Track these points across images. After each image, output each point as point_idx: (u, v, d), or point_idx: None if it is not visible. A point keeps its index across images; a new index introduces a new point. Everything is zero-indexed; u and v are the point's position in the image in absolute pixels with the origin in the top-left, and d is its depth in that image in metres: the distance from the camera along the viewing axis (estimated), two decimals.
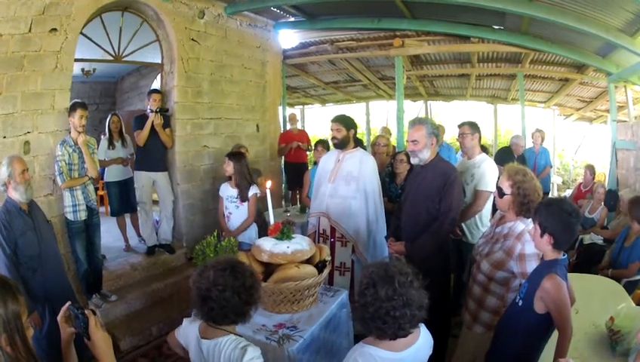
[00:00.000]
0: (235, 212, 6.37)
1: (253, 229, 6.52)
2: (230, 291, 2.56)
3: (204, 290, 2.58)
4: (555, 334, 3.05)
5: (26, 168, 4.70)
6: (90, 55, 7.55)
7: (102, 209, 10.37)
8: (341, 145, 5.64)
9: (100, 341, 2.26)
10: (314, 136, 14.40)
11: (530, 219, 3.60)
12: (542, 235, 3.02)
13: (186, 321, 2.84)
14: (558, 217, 2.98)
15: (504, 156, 8.58)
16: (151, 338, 6.15)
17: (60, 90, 6.28)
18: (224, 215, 6.47)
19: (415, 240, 4.63)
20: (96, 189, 7.88)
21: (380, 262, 2.56)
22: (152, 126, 7.30)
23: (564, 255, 3.08)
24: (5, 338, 1.96)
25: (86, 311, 2.27)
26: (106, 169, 7.86)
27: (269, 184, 4.58)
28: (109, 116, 8.13)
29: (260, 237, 5.70)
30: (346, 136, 5.60)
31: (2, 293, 2.00)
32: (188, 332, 2.80)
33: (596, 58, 9.13)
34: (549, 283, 2.92)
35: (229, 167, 6.26)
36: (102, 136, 8.11)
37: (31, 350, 2.06)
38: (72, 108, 6.01)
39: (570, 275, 3.09)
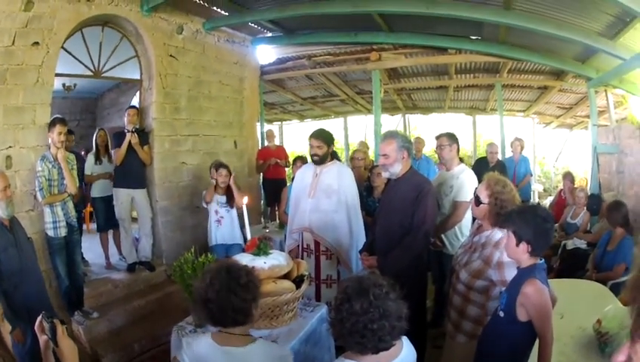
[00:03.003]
0: (227, 215, 6.87)
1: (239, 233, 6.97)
2: (225, 290, 2.56)
3: (202, 294, 2.60)
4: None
5: (7, 184, 4.62)
6: (70, 70, 7.51)
7: (93, 225, 10.44)
8: (321, 161, 5.61)
9: (66, 348, 2.39)
10: (292, 152, 14.43)
11: None
12: (517, 244, 3.00)
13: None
14: (533, 224, 2.98)
15: (480, 166, 8.69)
16: (133, 355, 6.11)
17: (41, 105, 6.29)
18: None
19: (389, 253, 4.61)
20: (84, 206, 7.94)
21: (354, 276, 2.55)
22: (131, 144, 7.27)
23: (540, 259, 3.07)
24: None
25: (54, 320, 2.40)
26: (92, 184, 7.88)
27: (245, 200, 4.58)
28: (96, 131, 8.18)
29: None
30: (326, 151, 5.59)
31: None
32: (198, 347, 2.66)
33: (575, 64, 9.22)
34: (530, 288, 2.91)
35: (227, 178, 6.87)
36: (82, 153, 8.10)
37: (6, 346, 2.15)
38: (52, 124, 5.99)
39: (553, 281, 3.09)
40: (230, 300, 2.55)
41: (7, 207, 4.58)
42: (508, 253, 3.17)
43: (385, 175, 4.91)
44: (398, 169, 4.70)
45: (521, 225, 2.99)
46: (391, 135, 4.82)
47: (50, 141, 6.02)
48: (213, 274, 2.63)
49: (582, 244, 7.66)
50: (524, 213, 3.05)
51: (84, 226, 9.85)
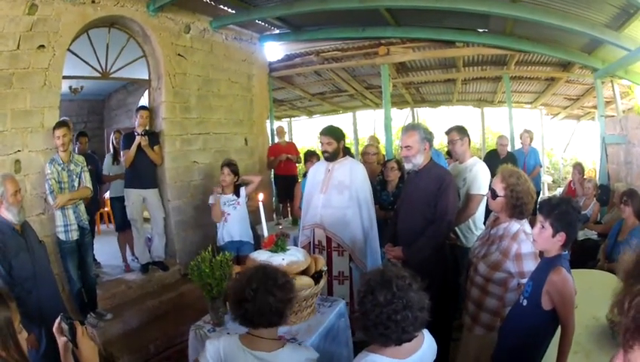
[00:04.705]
0: (234, 213, 6.72)
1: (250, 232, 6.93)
2: (263, 289, 2.59)
3: (238, 293, 2.63)
4: (558, 331, 3.06)
5: (18, 189, 4.63)
6: (77, 72, 7.55)
7: (103, 227, 10.44)
8: (332, 157, 5.63)
9: (86, 349, 2.39)
10: (302, 147, 14.40)
11: (524, 220, 3.62)
12: (554, 235, 3.01)
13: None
14: (569, 216, 3.00)
15: (491, 158, 8.67)
16: (149, 356, 6.08)
17: (49, 108, 6.30)
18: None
19: (412, 244, 4.64)
20: (97, 208, 8.05)
21: (376, 269, 2.55)
22: (140, 146, 7.29)
23: (564, 251, 3.08)
24: (0, 344, 2.09)
25: (74, 322, 2.41)
26: (111, 184, 8.04)
27: (261, 197, 4.58)
28: (112, 133, 8.45)
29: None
30: (337, 147, 5.59)
31: None
32: (226, 350, 2.69)
33: (582, 55, 9.21)
34: (557, 276, 2.94)
35: (229, 177, 6.71)
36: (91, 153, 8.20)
37: (23, 353, 2.24)
38: (53, 128, 5.99)
39: None
40: (268, 301, 2.58)
41: (19, 213, 4.60)
42: (539, 243, 3.17)
43: (408, 166, 4.92)
44: (420, 160, 4.75)
45: (560, 217, 3.00)
46: (413, 127, 4.88)
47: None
48: (251, 274, 2.67)
49: (592, 235, 7.67)
50: (560, 205, 3.04)
51: (96, 228, 9.91)
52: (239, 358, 2.63)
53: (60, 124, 5.98)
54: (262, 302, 2.57)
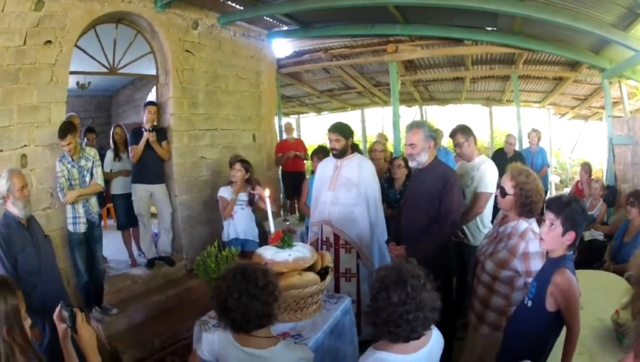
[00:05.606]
0: (240, 212, 6.73)
1: (255, 231, 6.89)
2: (246, 296, 2.52)
3: (221, 303, 2.57)
4: (563, 332, 3.04)
5: (25, 184, 4.66)
6: (85, 68, 7.53)
7: (110, 222, 10.41)
8: (341, 154, 5.63)
9: (85, 335, 2.51)
10: (310, 144, 14.39)
11: (532, 219, 3.61)
12: (564, 234, 2.99)
13: (205, 335, 2.79)
14: (579, 215, 2.99)
15: (498, 157, 8.66)
16: (154, 351, 6.10)
17: (56, 103, 6.30)
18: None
19: (416, 243, 4.62)
20: (104, 204, 8.01)
21: (392, 265, 2.53)
22: (148, 142, 7.27)
23: (570, 251, 3.07)
24: (6, 330, 2.21)
25: (74, 309, 2.54)
26: (112, 181, 7.85)
27: (267, 192, 4.57)
28: (112, 128, 8.18)
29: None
30: (345, 145, 5.59)
31: (2, 290, 2.26)
32: (219, 344, 2.72)
33: (589, 55, 9.16)
34: (561, 277, 2.93)
35: (240, 172, 6.69)
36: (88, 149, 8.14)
37: (28, 339, 2.33)
38: (58, 136, 5.92)
39: None
40: (253, 306, 2.53)
41: (25, 207, 4.64)
42: (547, 241, 3.13)
43: (412, 164, 4.93)
44: (424, 158, 4.75)
45: (571, 216, 2.98)
46: (417, 125, 4.85)
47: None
48: (230, 282, 2.59)
49: (599, 236, 7.64)
50: (571, 204, 3.03)
51: (102, 223, 9.88)
52: (231, 354, 2.64)
53: (64, 132, 5.86)
54: (247, 308, 2.54)
